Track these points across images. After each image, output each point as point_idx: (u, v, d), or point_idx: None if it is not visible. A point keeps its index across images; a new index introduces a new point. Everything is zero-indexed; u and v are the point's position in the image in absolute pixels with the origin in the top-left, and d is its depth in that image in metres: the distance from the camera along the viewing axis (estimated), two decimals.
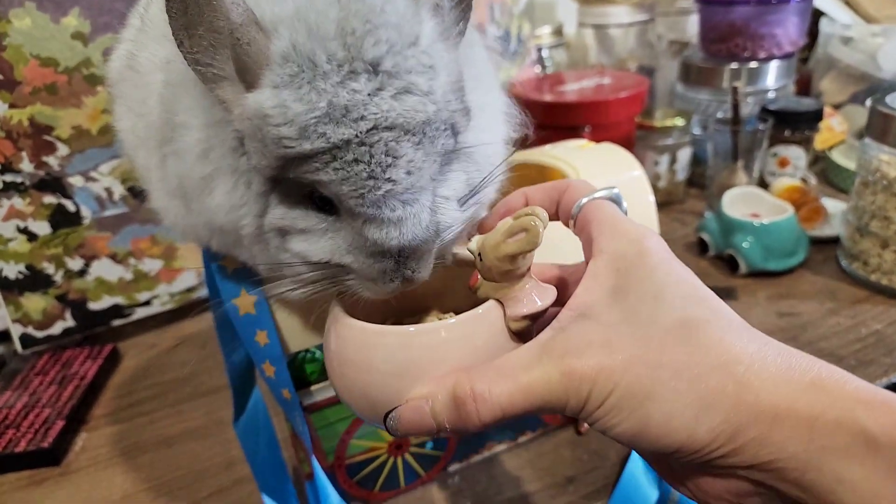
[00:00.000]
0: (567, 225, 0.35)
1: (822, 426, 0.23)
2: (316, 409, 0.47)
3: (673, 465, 0.29)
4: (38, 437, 0.64)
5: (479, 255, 0.32)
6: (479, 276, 0.33)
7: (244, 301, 0.43)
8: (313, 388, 0.47)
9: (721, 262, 0.84)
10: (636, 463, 0.53)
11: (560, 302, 0.32)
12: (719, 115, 0.96)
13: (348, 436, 0.50)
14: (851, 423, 0.23)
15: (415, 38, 0.30)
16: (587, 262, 0.31)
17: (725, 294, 0.77)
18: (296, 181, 0.31)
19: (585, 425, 0.59)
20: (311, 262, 0.34)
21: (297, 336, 0.45)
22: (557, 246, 0.37)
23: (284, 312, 0.44)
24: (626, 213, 0.33)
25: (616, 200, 0.33)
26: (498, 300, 0.32)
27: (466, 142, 0.34)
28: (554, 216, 0.35)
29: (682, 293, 0.27)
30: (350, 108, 0.28)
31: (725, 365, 0.25)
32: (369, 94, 0.29)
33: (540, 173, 0.58)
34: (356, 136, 0.28)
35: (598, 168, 0.54)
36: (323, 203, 0.32)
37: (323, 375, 0.47)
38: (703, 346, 0.25)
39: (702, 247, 0.86)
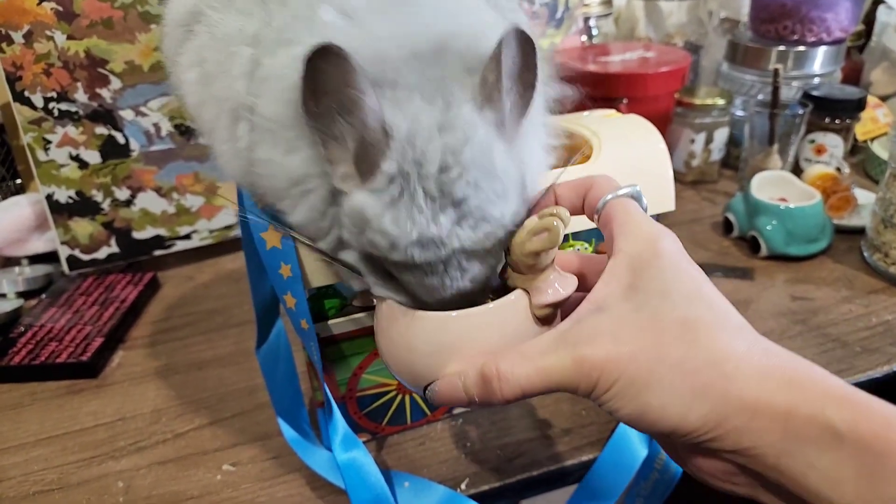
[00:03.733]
0: (592, 220, 0.37)
1: (796, 420, 0.27)
2: (332, 341, 0.51)
3: (674, 443, 0.33)
4: (78, 350, 0.69)
5: (507, 251, 0.36)
6: (509, 269, 0.37)
7: (271, 236, 0.46)
8: (331, 321, 0.50)
9: (744, 242, 0.85)
10: None
11: (582, 288, 0.36)
12: (760, 97, 0.95)
13: (361, 370, 0.53)
14: (821, 418, 0.27)
15: (492, 168, 0.33)
16: (608, 258, 0.34)
17: (741, 274, 0.78)
18: None
19: None
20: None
21: (318, 272, 0.48)
22: None
23: (307, 251, 0.47)
24: (645, 210, 0.36)
25: (637, 198, 0.36)
26: (526, 290, 0.36)
27: None
28: (580, 210, 0.38)
29: (687, 293, 0.31)
30: (435, 239, 0.32)
31: (716, 362, 0.28)
32: (452, 225, 0.32)
33: (568, 137, 0.60)
34: (436, 258, 0.33)
35: (619, 138, 0.56)
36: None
37: (340, 311, 0.51)
38: (699, 343, 0.29)
39: (727, 227, 0.87)
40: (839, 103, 0.93)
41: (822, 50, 0.99)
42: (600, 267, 0.34)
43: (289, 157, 0.36)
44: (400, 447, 0.57)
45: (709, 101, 0.97)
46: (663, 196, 0.54)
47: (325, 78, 0.30)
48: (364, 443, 0.56)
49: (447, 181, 0.32)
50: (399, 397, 0.56)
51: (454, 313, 0.35)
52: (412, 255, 0.32)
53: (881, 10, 1.14)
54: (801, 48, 0.99)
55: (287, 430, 0.54)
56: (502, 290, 0.37)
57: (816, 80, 1.01)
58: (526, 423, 0.58)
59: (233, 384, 0.66)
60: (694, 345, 0.29)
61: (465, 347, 0.34)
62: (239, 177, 0.43)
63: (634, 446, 0.55)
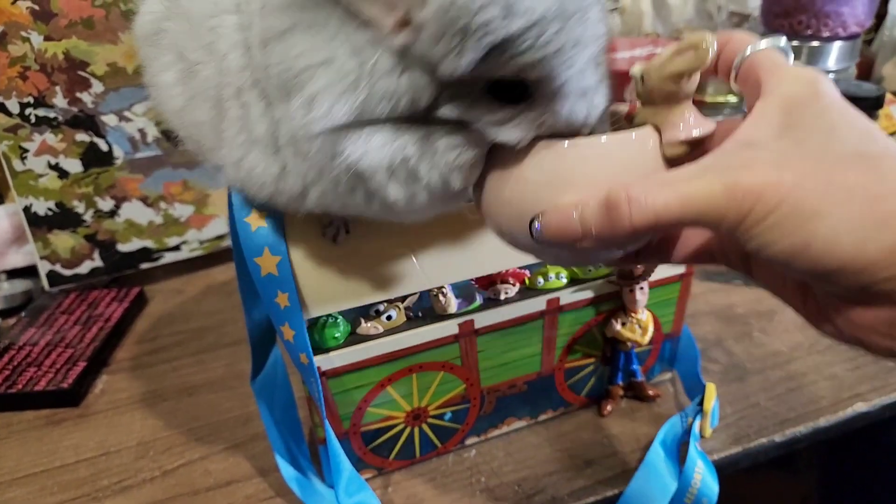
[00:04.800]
0: (728, 79, 0.32)
1: None
2: (334, 374, 0.46)
3: (822, 297, 0.28)
4: (59, 377, 0.65)
5: (643, 77, 0.32)
6: (638, 104, 0.33)
7: (267, 261, 0.42)
8: (333, 353, 0.45)
9: None
10: (657, 452, 0.52)
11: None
12: None
13: (365, 403, 0.49)
14: None
15: None
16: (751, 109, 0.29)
17: None
18: (469, 79, 0.29)
19: (609, 408, 0.57)
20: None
21: (319, 300, 0.43)
22: None
23: (307, 275, 0.42)
24: None
25: (785, 51, 0.31)
26: (655, 126, 0.32)
27: None
28: (713, 70, 0.32)
29: (858, 131, 0.26)
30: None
31: None
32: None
33: None
34: (558, 6, 0.27)
35: None
36: (504, 93, 0.31)
37: (345, 340, 0.46)
38: (881, 172, 0.25)
39: None
40: (856, 101, 0.87)
41: (837, 45, 0.95)
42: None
43: (332, 62, 0.30)
44: (408, 484, 0.53)
45: (720, 99, 0.92)
46: None
47: None
48: (369, 479, 0.52)
49: None
50: (407, 430, 0.52)
51: (576, 140, 0.31)
52: (533, 6, 0.27)
53: (893, 2, 1.10)
54: (816, 43, 0.95)
55: (286, 469, 0.49)
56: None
57: (831, 77, 0.97)
58: (544, 453, 0.54)
59: (226, 412, 0.61)
60: (875, 173, 0.25)
61: (582, 180, 0.30)
62: (269, 182, 0.36)
63: (664, 479, 0.50)
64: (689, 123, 0.31)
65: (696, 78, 0.30)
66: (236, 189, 0.41)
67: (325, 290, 0.43)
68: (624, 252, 0.34)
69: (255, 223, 0.42)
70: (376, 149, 0.31)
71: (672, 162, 0.31)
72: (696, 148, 0.31)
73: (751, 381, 0.60)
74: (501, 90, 0.30)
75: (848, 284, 0.25)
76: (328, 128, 0.30)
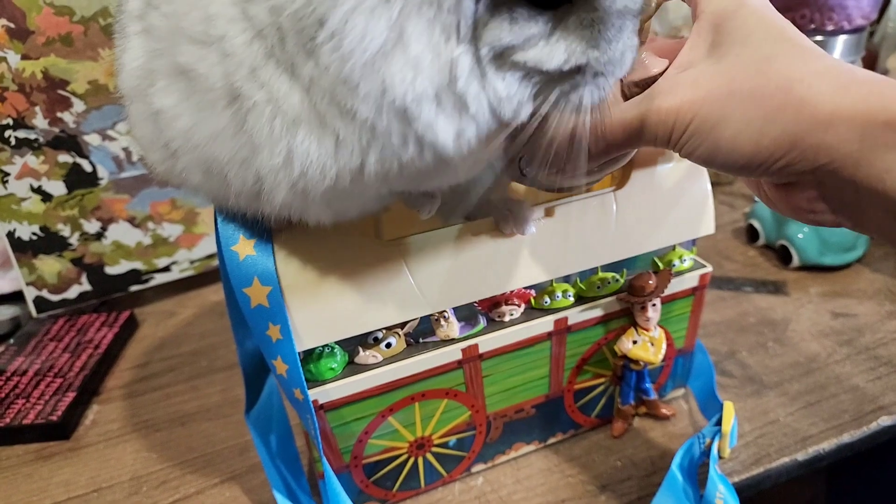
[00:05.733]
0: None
1: (873, 126, 0.26)
2: (332, 407, 0.44)
3: (761, 184, 0.34)
4: (48, 408, 0.62)
5: None
6: None
7: (256, 291, 0.39)
8: (330, 385, 0.43)
9: (771, 252, 0.78)
10: (675, 477, 0.49)
11: None
12: None
13: (366, 435, 0.46)
14: None
15: None
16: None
17: (774, 288, 0.72)
18: None
19: (620, 428, 0.54)
20: (545, 70, 0.29)
21: (313, 330, 0.41)
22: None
23: (300, 305, 0.40)
24: None
25: None
26: None
27: None
28: None
29: (769, 35, 0.30)
30: None
31: (789, 85, 0.28)
32: None
33: None
34: None
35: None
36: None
37: (342, 371, 0.44)
38: (773, 73, 0.28)
39: (751, 234, 0.81)
40: None
41: (841, 39, 0.92)
42: None
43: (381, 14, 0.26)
44: None
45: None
46: (703, 210, 0.48)
47: None
48: None
49: None
50: (411, 460, 0.49)
51: None
52: None
53: None
54: (820, 38, 0.92)
55: None
56: None
57: None
58: (556, 479, 0.52)
59: (221, 442, 0.59)
60: (766, 74, 0.29)
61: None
62: (328, 156, 0.30)
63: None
64: (644, 66, 0.34)
65: (648, 28, 0.34)
66: (294, 208, 0.34)
67: (319, 319, 0.41)
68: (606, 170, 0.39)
69: (244, 251, 0.39)
70: (425, 67, 0.27)
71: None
72: (654, 82, 0.34)
73: (768, 396, 0.57)
74: None
75: (759, 175, 0.30)
76: (367, 56, 0.26)
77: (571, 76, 0.30)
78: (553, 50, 0.29)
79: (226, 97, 0.30)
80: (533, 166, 0.34)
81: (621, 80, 0.33)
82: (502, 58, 0.29)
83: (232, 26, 0.29)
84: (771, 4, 0.32)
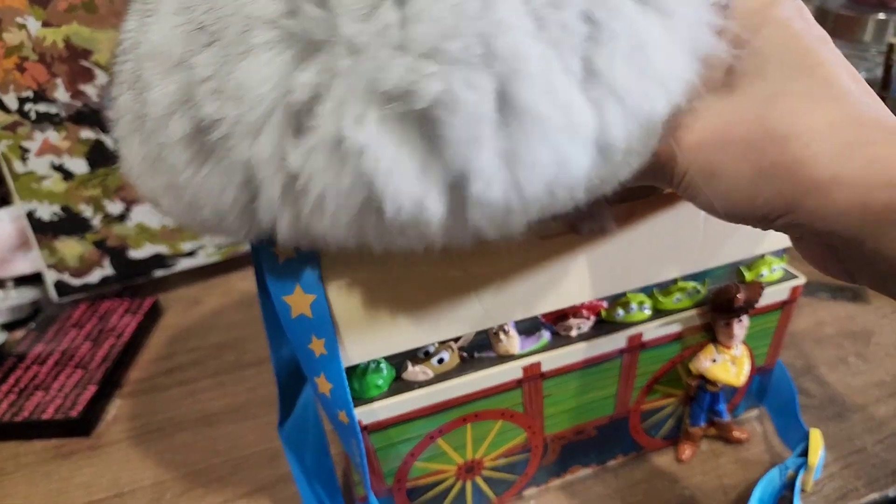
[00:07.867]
0: None
1: (874, 201, 0.23)
2: (377, 428, 0.39)
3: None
4: (68, 403, 0.58)
5: None
6: None
7: (298, 300, 0.34)
8: (376, 404, 0.38)
9: None
10: None
11: None
12: (861, 75, 0.81)
13: (412, 457, 0.41)
14: None
15: None
16: None
17: (852, 295, 0.65)
18: None
19: (688, 452, 0.49)
20: None
21: (360, 345, 0.36)
22: None
23: (348, 316, 0.35)
24: None
25: None
26: None
27: None
28: None
29: (786, 62, 0.26)
30: None
31: (785, 140, 0.25)
32: None
33: None
34: None
35: None
36: None
37: (389, 387, 0.39)
38: (772, 120, 0.25)
39: None
40: None
41: None
42: None
43: None
44: None
45: None
46: None
47: None
48: None
49: None
50: (458, 483, 0.44)
51: None
52: None
53: None
54: (882, 16, 0.85)
55: None
56: None
57: None
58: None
59: (249, 446, 0.55)
60: (764, 123, 0.25)
61: None
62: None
63: None
64: None
65: None
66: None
67: (368, 332, 0.36)
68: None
69: (283, 253, 0.34)
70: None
71: None
72: None
73: (853, 420, 0.52)
74: None
75: (766, 229, 0.27)
76: None
77: None
78: None
79: (215, 40, 0.25)
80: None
81: None
82: None
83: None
84: (806, 8, 0.28)
